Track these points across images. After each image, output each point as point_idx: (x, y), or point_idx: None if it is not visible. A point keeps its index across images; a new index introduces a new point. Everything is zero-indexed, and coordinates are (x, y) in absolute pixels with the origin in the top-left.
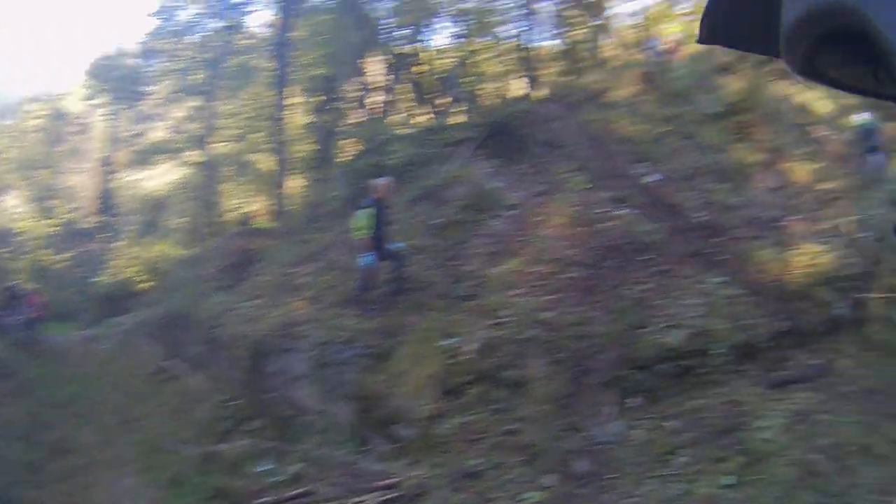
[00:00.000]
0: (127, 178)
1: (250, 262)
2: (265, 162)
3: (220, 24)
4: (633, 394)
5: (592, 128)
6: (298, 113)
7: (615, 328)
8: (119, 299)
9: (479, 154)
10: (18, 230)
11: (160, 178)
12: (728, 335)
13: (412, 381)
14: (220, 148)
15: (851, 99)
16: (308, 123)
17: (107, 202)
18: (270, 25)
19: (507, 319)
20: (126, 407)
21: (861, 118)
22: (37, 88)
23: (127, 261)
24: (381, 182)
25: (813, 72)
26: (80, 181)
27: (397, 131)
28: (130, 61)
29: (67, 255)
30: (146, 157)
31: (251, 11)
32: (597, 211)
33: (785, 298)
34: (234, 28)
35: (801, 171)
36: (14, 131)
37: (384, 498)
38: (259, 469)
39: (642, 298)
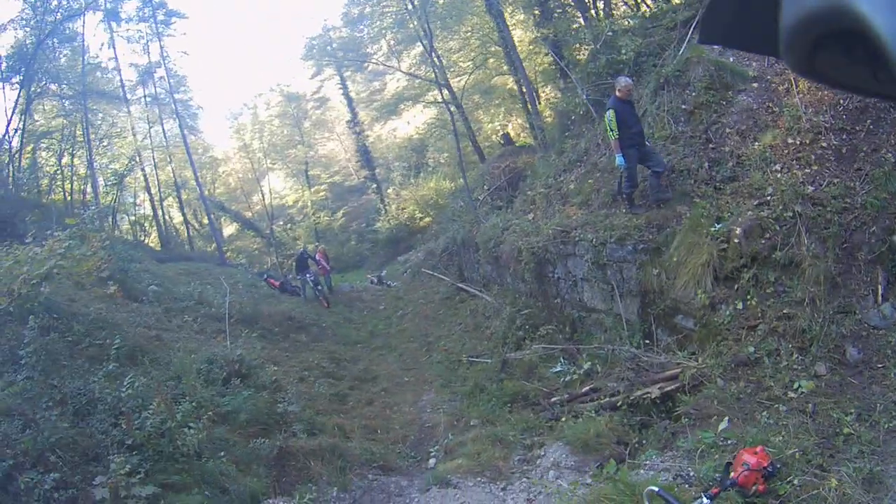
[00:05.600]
0: (378, 132)
1: (517, 179)
2: (508, 83)
3: None
4: None
5: None
6: (521, 30)
7: (878, 197)
8: (399, 241)
9: None
10: (288, 203)
11: (410, 123)
12: None
13: (687, 271)
14: (459, 82)
15: None
16: (534, 38)
17: (365, 158)
18: None
19: (770, 198)
20: (424, 333)
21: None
22: (265, 81)
23: (400, 204)
24: (621, 81)
25: (813, 72)
26: (333, 148)
27: (621, 26)
28: (337, 33)
29: (340, 213)
30: (390, 108)
31: None
32: None
33: None
34: None
35: None
36: (257, 123)
37: (666, 389)
38: (552, 371)
39: None
